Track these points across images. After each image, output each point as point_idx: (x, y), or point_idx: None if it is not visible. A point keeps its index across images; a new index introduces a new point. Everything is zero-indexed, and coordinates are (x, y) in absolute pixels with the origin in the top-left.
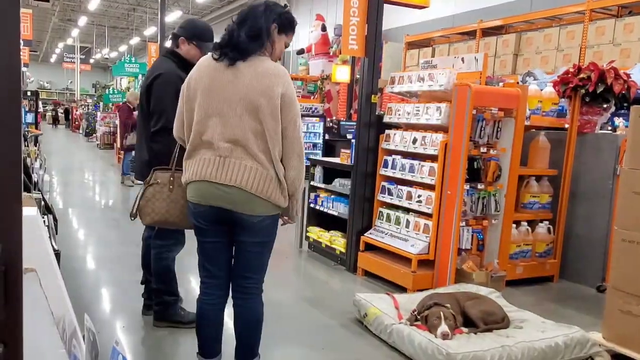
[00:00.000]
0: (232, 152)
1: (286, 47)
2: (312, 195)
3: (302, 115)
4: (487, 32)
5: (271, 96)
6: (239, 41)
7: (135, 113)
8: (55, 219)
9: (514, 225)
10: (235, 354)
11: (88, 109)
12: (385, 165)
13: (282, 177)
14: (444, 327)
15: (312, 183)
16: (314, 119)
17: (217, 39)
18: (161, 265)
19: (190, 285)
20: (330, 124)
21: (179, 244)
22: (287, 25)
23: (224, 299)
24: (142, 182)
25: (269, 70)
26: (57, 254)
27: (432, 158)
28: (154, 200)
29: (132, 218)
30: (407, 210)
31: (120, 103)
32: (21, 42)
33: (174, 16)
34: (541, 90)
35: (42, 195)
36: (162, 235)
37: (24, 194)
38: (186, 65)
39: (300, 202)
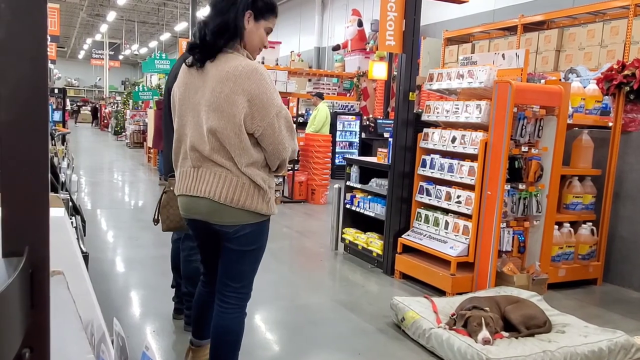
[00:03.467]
0: (202, 161)
1: (268, 33)
2: (348, 195)
3: (338, 113)
4: (529, 27)
5: (233, 101)
6: (204, 41)
7: None
8: (83, 220)
9: (556, 227)
10: None
11: (117, 106)
12: (424, 165)
13: (262, 179)
14: (485, 333)
15: (348, 183)
16: (350, 117)
17: None
18: (191, 268)
19: None
20: (367, 122)
21: None
22: (265, 10)
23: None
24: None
25: (233, 69)
26: (85, 256)
27: (472, 157)
28: (169, 207)
29: (155, 223)
30: (446, 211)
31: (162, 100)
32: (48, 37)
33: (205, 11)
34: (584, 87)
35: (70, 196)
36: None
37: (51, 195)
38: None
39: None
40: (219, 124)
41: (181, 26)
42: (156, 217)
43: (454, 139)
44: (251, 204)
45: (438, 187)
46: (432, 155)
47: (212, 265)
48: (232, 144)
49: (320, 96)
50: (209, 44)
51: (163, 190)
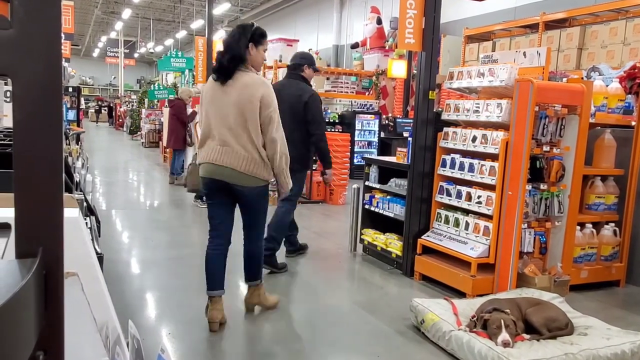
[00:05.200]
0: (228, 143)
1: (265, 50)
2: (367, 196)
3: (357, 112)
4: (550, 25)
5: (252, 101)
6: (223, 66)
7: (189, 110)
8: (98, 221)
9: (578, 228)
10: (245, 276)
11: (132, 105)
12: (444, 165)
13: (265, 157)
14: (504, 335)
15: (366, 183)
16: (369, 116)
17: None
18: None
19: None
20: (386, 122)
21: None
22: (260, 38)
23: (225, 247)
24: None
25: (250, 81)
26: (100, 258)
27: (493, 157)
28: (191, 175)
29: (184, 187)
30: (467, 212)
31: (172, 98)
32: (62, 35)
33: (221, 8)
34: (607, 86)
35: (84, 196)
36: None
37: (65, 195)
38: (307, 82)
39: (287, 177)
40: (245, 116)
41: (197, 24)
42: (185, 181)
43: (474, 139)
44: (259, 172)
45: (458, 187)
46: (452, 155)
47: (220, 225)
48: (253, 129)
49: None
50: (225, 68)
51: (190, 163)
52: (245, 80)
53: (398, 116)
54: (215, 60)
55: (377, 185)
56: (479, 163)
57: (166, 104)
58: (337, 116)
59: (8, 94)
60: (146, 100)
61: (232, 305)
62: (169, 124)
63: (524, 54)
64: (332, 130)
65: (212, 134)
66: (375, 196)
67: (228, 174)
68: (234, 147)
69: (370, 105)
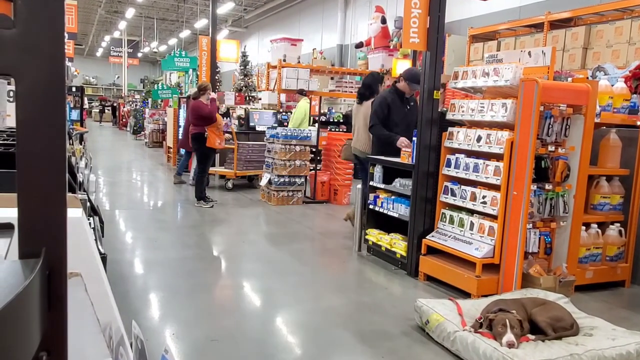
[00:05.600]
0: (355, 134)
1: None
2: (372, 196)
3: None
4: (555, 24)
5: (368, 113)
6: (365, 95)
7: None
8: (101, 221)
9: (584, 228)
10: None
11: (136, 105)
12: (448, 165)
13: (370, 141)
14: (509, 336)
15: (371, 183)
16: None
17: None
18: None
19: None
20: None
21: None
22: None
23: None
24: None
25: (370, 104)
26: (104, 258)
27: (498, 157)
28: (345, 151)
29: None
30: (471, 212)
31: (187, 99)
32: (65, 35)
33: (225, 8)
34: (612, 85)
35: (88, 196)
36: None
37: (69, 195)
38: (401, 94)
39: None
40: (365, 121)
41: (201, 23)
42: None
43: (479, 138)
44: (366, 150)
45: (463, 187)
46: (457, 155)
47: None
48: (365, 127)
49: (302, 93)
50: (366, 97)
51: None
52: (367, 103)
53: None
54: (359, 90)
55: (382, 186)
56: (484, 163)
57: (170, 103)
58: (341, 116)
59: (11, 93)
60: (150, 100)
61: (235, 297)
62: (185, 124)
63: (529, 53)
64: (337, 130)
65: (353, 130)
66: (380, 196)
67: (356, 150)
68: (358, 137)
69: None
